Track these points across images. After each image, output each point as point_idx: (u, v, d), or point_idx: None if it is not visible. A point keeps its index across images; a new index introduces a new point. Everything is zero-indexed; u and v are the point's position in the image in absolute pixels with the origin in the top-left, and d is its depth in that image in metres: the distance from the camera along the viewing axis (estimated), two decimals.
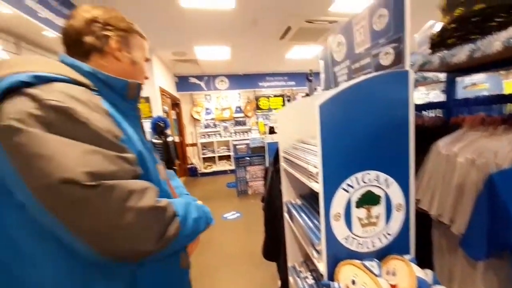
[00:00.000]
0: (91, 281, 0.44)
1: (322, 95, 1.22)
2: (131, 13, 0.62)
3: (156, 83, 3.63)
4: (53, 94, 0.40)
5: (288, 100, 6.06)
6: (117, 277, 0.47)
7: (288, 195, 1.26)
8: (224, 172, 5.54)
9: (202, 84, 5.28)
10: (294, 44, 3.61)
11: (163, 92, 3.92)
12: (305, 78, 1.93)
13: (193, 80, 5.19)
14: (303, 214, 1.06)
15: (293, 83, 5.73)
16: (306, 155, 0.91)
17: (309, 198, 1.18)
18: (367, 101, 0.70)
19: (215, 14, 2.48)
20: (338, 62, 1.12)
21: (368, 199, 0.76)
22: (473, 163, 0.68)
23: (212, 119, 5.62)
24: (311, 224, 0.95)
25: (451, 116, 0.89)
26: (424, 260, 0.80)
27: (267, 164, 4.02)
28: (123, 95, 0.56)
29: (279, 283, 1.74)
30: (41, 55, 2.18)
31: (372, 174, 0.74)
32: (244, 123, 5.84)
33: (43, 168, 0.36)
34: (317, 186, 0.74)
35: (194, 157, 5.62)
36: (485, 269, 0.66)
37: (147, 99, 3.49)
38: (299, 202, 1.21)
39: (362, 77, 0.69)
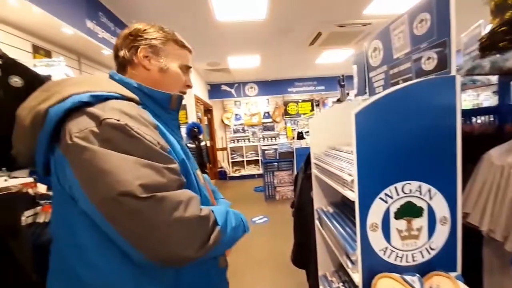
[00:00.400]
0: (140, 281, 0.48)
1: (358, 103, 1.20)
2: (170, 28, 0.67)
3: (192, 92, 3.89)
4: (109, 112, 0.44)
5: (317, 105, 5.94)
6: (163, 277, 0.50)
7: (319, 202, 1.25)
8: (252, 176, 5.62)
9: (233, 91, 5.48)
10: (324, 49, 3.56)
11: (197, 99, 4.17)
12: (336, 82, 1.90)
13: (224, 87, 5.43)
14: (335, 222, 1.04)
15: (322, 87, 5.62)
16: (339, 162, 0.90)
17: (342, 206, 1.16)
18: (409, 108, 0.68)
19: (247, 26, 2.60)
20: (374, 67, 1.09)
21: (409, 211, 0.72)
22: None
23: (241, 124, 5.78)
24: (344, 233, 0.93)
25: (505, 122, 0.81)
26: (472, 279, 0.73)
27: (295, 170, 3.98)
28: (166, 107, 0.59)
29: None
30: (99, 71, 2.51)
31: (413, 184, 0.71)
32: (272, 128, 5.88)
33: (104, 183, 0.40)
34: (352, 195, 0.73)
35: (223, 161, 5.82)
36: None
37: (183, 107, 3.76)
38: (330, 209, 1.19)
39: (404, 84, 0.67)
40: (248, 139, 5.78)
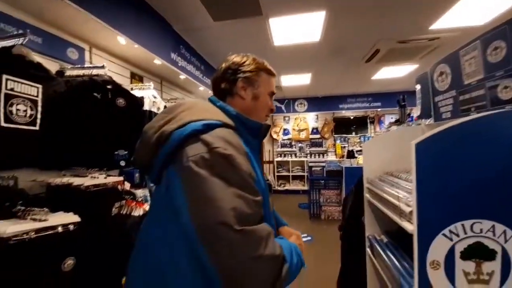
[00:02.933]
0: None
1: (421, 127, 1.14)
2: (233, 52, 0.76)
3: None
4: (217, 140, 0.50)
5: (372, 122, 5.55)
6: None
7: (371, 229, 1.20)
8: (296, 192, 5.54)
9: (283, 107, 5.63)
10: (383, 66, 3.38)
11: None
12: (394, 98, 1.78)
13: (275, 103, 5.60)
14: (390, 254, 0.99)
15: (378, 104, 5.24)
16: (396, 190, 0.88)
17: (398, 236, 1.09)
18: (486, 140, 0.63)
19: (300, 48, 2.72)
20: (440, 91, 1.03)
21: (479, 252, 0.66)
22: None
23: (289, 139, 5.83)
24: (400, 267, 0.88)
25: None
26: None
27: (343, 190, 3.76)
28: (256, 135, 0.65)
29: None
30: (175, 91, 3.00)
31: (485, 224, 0.65)
32: (320, 144, 5.74)
33: (206, 209, 0.45)
34: (411, 227, 0.71)
35: (269, 174, 5.93)
36: None
37: None
38: (384, 239, 1.13)
39: (480, 114, 0.63)
40: (295, 154, 5.77)
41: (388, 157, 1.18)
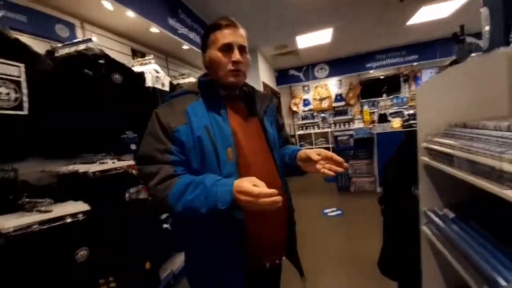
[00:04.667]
0: None
1: (504, 61, 0.77)
2: (237, 15, 0.75)
3: (261, 79, 3.85)
4: (162, 104, 0.76)
5: (406, 81, 4.84)
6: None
7: (430, 202, 0.92)
8: None
9: (301, 75, 5.14)
10: (422, 4, 2.74)
11: (266, 86, 4.12)
12: (434, 47, 1.34)
13: (292, 72, 5.16)
14: (464, 234, 0.71)
15: (415, 56, 4.48)
16: (488, 145, 0.58)
17: (472, 209, 0.79)
18: None
19: None
20: None
21: None
22: None
23: (310, 110, 5.41)
24: (486, 252, 0.61)
25: None
26: None
27: (375, 159, 3.38)
28: (216, 93, 0.74)
29: None
30: (183, 68, 2.78)
31: None
32: (345, 112, 5.24)
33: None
34: None
35: None
36: None
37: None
38: (450, 214, 0.85)
39: None
40: (318, 126, 5.37)
41: (453, 105, 0.85)
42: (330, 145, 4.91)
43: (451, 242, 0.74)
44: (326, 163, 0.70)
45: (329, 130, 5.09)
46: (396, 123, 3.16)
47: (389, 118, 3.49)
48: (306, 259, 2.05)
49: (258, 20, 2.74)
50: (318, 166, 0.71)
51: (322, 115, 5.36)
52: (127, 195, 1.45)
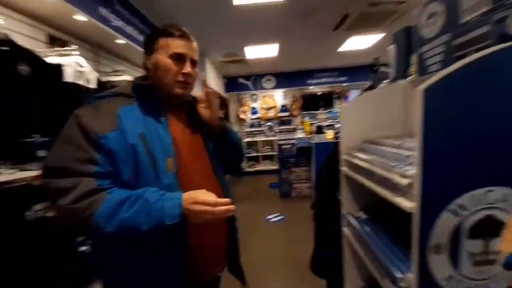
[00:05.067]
0: None
1: (402, 86, 0.98)
2: (186, 19, 0.68)
3: (208, 84, 3.77)
4: (85, 106, 0.66)
5: (338, 98, 5.59)
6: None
7: (349, 207, 1.06)
8: (267, 172, 5.47)
9: (249, 84, 5.30)
10: (351, 35, 3.25)
11: None
12: (360, 72, 1.68)
13: (241, 80, 5.27)
14: (372, 234, 0.85)
15: (344, 78, 5.25)
16: (385, 160, 0.70)
17: (379, 212, 0.96)
18: (497, 84, 0.47)
19: (265, 9, 2.39)
20: (428, 39, 0.86)
21: (489, 228, 0.52)
22: None
23: (258, 118, 5.61)
24: (386, 249, 0.74)
25: None
26: None
27: (313, 166, 3.75)
28: (149, 100, 0.69)
29: None
30: (117, 64, 2.44)
31: (498, 192, 0.50)
32: (289, 122, 5.65)
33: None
34: (409, 205, 0.54)
35: None
36: None
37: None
38: (363, 216, 1.00)
39: (495, 47, 0.46)
40: (264, 134, 5.61)
41: (367, 124, 1.01)
42: (276, 153, 5.17)
43: (362, 241, 0.87)
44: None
45: (274, 138, 5.38)
46: (329, 135, 3.59)
47: (324, 130, 3.94)
48: (250, 265, 2.06)
49: (208, 26, 2.71)
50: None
51: (269, 123, 5.64)
52: (30, 213, 1.17)
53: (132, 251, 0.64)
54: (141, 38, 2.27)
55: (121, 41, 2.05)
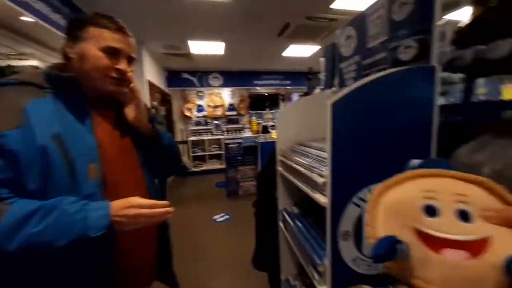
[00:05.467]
0: None
1: (327, 95, 1.12)
2: (123, 4, 0.57)
3: (146, 77, 3.42)
4: None
5: (283, 100, 5.96)
6: None
7: (284, 203, 1.15)
8: (214, 171, 5.39)
9: (195, 80, 5.08)
10: (292, 42, 3.50)
11: (152, 86, 3.71)
12: (302, 77, 1.86)
13: (185, 75, 4.99)
14: (301, 227, 0.95)
15: (288, 82, 5.63)
16: (308, 160, 0.79)
17: (309, 207, 1.07)
18: (384, 101, 0.60)
19: (210, 6, 2.33)
20: (346, 57, 1.01)
21: None
22: (501, 174, 0.59)
23: (204, 116, 5.44)
24: (312, 240, 0.83)
25: (468, 121, 0.80)
26: None
27: (259, 165, 3.90)
28: (70, 95, 0.59)
29: None
30: (20, 43, 1.94)
31: None
32: (236, 121, 5.70)
33: None
34: (323, 200, 0.62)
35: (184, 155, 5.43)
36: None
37: None
38: (296, 210, 1.10)
39: (382, 73, 0.58)
40: (211, 132, 5.49)
41: (299, 127, 1.11)
42: (223, 152, 5.14)
43: (293, 234, 0.95)
44: None
45: (221, 137, 5.33)
46: (274, 134, 3.80)
47: (269, 130, 4.14)
48: (195, 267, 2.01)
49: (147, 13, 2.46)
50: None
51: (216, 122, 5.55)
52: None
53: (47, 270, 0.55)
54: (56, 17, 1.88)
55: (27, 18, 1.66)
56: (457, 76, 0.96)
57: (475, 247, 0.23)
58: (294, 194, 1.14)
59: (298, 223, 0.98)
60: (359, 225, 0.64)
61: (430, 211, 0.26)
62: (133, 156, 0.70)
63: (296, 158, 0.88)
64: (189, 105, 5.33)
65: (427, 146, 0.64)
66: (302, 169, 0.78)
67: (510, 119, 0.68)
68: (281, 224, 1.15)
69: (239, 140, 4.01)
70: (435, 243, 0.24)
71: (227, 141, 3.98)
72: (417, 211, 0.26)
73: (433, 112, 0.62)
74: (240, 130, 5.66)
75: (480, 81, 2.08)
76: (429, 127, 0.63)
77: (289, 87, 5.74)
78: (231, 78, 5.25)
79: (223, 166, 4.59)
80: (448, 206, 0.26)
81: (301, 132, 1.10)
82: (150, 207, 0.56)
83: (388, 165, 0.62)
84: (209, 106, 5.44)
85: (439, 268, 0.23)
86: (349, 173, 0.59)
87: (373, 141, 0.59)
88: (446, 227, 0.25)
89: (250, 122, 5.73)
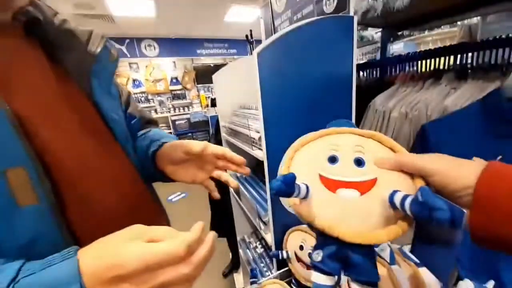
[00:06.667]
0: None
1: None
2: None
3: None
4: None
5: None
6: None
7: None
8: None
9: (124, 48, 4.36)
10: (233, 3, 3.26)
11: None
12: (247, 44, 1.79)
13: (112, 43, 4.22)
14: (249, 187, 0.98)
15: (234, 51, 5.38)
16: (248, 121, 0.79)
17: (256, 169, 1.11)
18: (309, 48, 0.61)
19: None
20: (279, 14, 0.98)
21: None
22: (407, 116, 0.70)
23: (143, 92, 4.85)
24: (258, 196, 0.88)
25: (385, 74, 0.91)
26: None
27: (211, 139, 3.81)
28: None
29: (230, 255, 1.73)
30: None
31: None
32: (183, 97, 5.29)
33: None
34: (261, 154, 0.64)
35: None
36: None
37: None
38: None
39: (305, 21, 0.58)
40: (155, 110, 5.00)
41: (239, 89, 1.08)
42: (172, 130, 4.81)
43: (243, 195, 0.99)
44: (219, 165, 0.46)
45: (168, 115, 4.93)
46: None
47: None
48: None
49: None
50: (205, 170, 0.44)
51: (159, 98, 5.04)
52: None
53: None
54: None
55: None
56: (378, 35, 1.05)
57: (365, 187, 0.27)
58: (244, 157, 1.15)
59: (247, 184, 1.01)
60: None
61: (332, 160, 0.29)
62: (95, 126, 0.37)
63: (237, 121, 0.87)
64: (122, 80, 4.63)
65: (348, 95, 0.70)
66: (241, 129, 0.77)
67: (413, 72, 0.79)
68: (231, 190, 1.17)
69: (187, 116, 3.79)
70: (334, 185, 0.28)
71: (174, 118, 3.71)
72: (322, 160, 0.30)
73: (353, 59, 0.66)
74: (188, 106, 5.30)
75: (400, 45, 2.37)
76: (350, 76, 0.68)
77: (235, 56, 5.51)
78: (169, 46, 4.69)
79: None
80: (347, 156, 0.29)
81: (240, 95, 1.07)
82: (189, 252, 0.25)
83: (320, 111, 0.67)
84: (147, 80, 4.84)
85: (334, 205, 0.27)
86: (280, 124, 0.61)
87: (300, 89, 0.61)
88: (343, 171, 0.28)
89: (198, 96, 5.40)
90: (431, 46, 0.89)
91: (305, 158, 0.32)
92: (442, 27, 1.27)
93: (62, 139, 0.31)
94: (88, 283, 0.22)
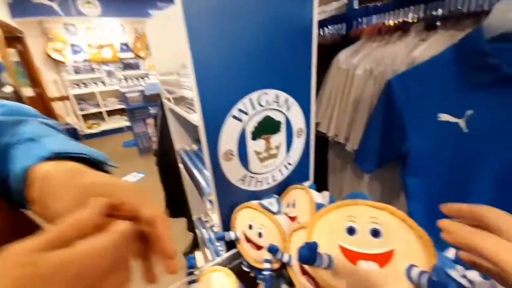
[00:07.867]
0: None
1: None
2: None
3: None
4: None
5: None
6: None
7: (181, 142, 1.00)
8: (119, 131, 4.53)
9: (55, 5, 3.52)
10: None
11: None
12: None
13: None
14: (197, 162, 0.84)
15: None
16: (186, 80, 0.62)
17: None
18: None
19: None
20: None
21: (267, 127, 0.60)
22: (371, 73, 0.61)
23: (86, 60, 4.11)
24: (205, 171, 0.75)
25: (351, 29, 0.80)
26: (320, 182, 0.78)
27: None
28: None
29: (190, 235, 1.64)
30: None
31: (270, 94, 0.56)
32: (137, 66, 4.66)
33: None
34: (196, 118, 0.49)
35: (68, 115, 4.20)
36: (370, 180, 0.68)
37: None
38: (195, 147, 0.98)
39: None
40: (103, 82, 4.34)
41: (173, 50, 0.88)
42: (124, 105, 4.29)
43: (190, 171, 0.85)
44: None
45: (119, 87, 4.33)
46: None
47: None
48: None
49: None
50: None
51: (107, 68, 4.35)
52: None
53: None
54: None
55: None
56: None
57: (383, 259, 0.29)
58: (190, 129, 0.99)
59: (196, 159, 0.87)
60: (243, 141, 0.57)
61: (351, 231, 0.33)
62: None
63: (177, 82, 0.69)
64: (56, 44, 3.83)
65: (308, 52, 0.57)
66: (176, 90, 0.61)
67: (381, 25, 0.69)
68: (181, 166, 1.02)
69: (140, 88, 3.36)
70: (353, 256, 0.31)
71: (124, 90, 3.26)
72: (341, 231, 0.33)
73: (312, 10, 0.53)
74: (143, 77, 4.72)
75: None
76: (309, 32, 0.55)
77: None
78: (113, 4, 3.93)
79: (129, 123, 3.89)
80: (363, 227, 0.32)
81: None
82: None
83: (268, 73, 0.54)
84: (90, 46, 4.09)
85: (356, 277, 0.30)
86: (221, 82, 0.47)
87: (247, 48, 0.48)
88: (361, 243, 0.31)
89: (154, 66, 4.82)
90: None
91: (325, 228, 0.35)
92: None
93: None
94: None
